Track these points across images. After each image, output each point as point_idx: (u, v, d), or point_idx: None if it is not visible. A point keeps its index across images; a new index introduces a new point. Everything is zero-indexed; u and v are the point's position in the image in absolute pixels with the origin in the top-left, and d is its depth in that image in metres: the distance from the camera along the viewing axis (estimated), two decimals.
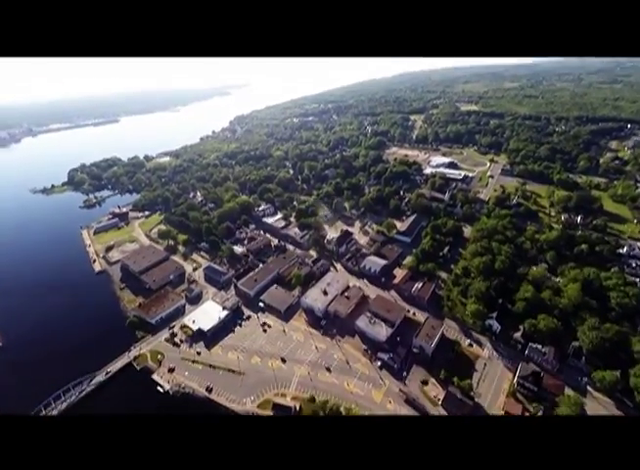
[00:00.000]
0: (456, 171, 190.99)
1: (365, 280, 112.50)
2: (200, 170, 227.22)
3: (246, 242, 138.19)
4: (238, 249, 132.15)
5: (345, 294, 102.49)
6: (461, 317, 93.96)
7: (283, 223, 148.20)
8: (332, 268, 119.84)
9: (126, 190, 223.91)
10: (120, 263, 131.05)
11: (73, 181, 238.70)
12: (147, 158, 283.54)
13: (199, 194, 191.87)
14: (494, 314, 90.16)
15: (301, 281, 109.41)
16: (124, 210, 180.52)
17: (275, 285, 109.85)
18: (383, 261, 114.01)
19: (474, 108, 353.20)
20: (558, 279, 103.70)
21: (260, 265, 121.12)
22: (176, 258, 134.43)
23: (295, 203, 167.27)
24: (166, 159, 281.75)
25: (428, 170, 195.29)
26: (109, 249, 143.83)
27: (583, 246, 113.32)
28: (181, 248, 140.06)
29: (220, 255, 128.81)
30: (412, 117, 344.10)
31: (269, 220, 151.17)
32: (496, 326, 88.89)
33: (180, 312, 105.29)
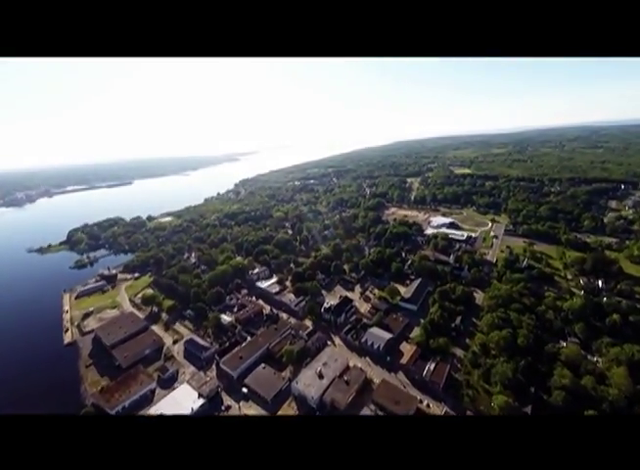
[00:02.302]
0: (458, 232, 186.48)
1: (367, 358, 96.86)
2: (198, 231, 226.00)
3: (235, 309, 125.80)
4: (226, 318, 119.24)
5: (345, 377, 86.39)
6: (487, 411, 76.31)
7: (277, 288, 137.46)
8: (329, 342, 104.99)
9: (122, 250, 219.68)
10: (94, 334, 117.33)
11: (71, 240, 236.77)
12: (149, 218, 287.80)
13: (193, 255, 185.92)
14: (529, 408, 73.03)
15: (294, 359, 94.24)
16: (114, 271, 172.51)
17: (263, 364, 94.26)
18: (387, 335, 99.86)
19: (467, 171, 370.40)
20: (595, 359, 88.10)
21: (248, 338, 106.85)
22: (157, 327, 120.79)
23: (292, 265, 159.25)
24: (168, 219, 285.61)
25: (429, 231, 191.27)
26: (86, 316, 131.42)
27: (615, 316, 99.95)
28: (164, 315, 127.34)
29: (205, 325, 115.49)
30: (409, 180, 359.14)
31: (263, 285, 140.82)
32: None
33: (148, 399, 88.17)
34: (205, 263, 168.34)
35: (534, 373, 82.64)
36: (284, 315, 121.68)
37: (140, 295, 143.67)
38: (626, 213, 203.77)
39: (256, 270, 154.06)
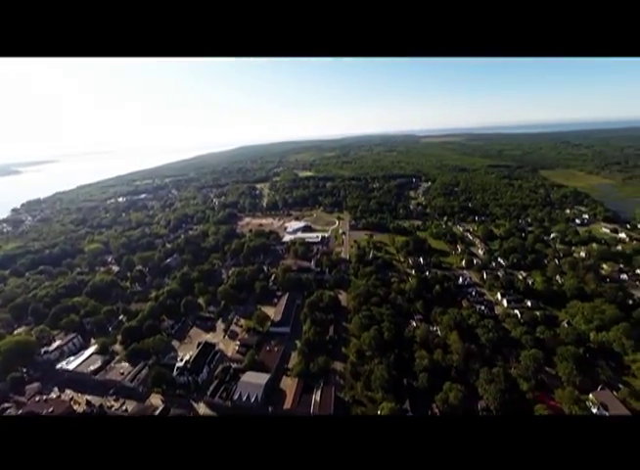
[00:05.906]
0: (313, 234, 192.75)
1: None
2: None
3: None
4: None
5: None
6: None
7: (99, 362, 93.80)
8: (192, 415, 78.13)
9: None
10: None
11: None
12: None
13: None
14: (407, 404, 75.70)
15: None
16: None
17: None
18: (263, 378, 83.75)
19: (309, 173, 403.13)
20: (436, 329, 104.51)
21: None
22: None
23: (121, 317, 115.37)
24: None
25: (287, 238, 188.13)
26: None
27: (437, 286, 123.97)
28: None
29: None
30: (258, 186, 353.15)
31: (71, 364, 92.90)
32: None
33: None
34: None
35: (402, 363, 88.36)
36: (114, 402, 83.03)
37: None
38: (420, 200, 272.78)
39: (56, 344, 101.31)
